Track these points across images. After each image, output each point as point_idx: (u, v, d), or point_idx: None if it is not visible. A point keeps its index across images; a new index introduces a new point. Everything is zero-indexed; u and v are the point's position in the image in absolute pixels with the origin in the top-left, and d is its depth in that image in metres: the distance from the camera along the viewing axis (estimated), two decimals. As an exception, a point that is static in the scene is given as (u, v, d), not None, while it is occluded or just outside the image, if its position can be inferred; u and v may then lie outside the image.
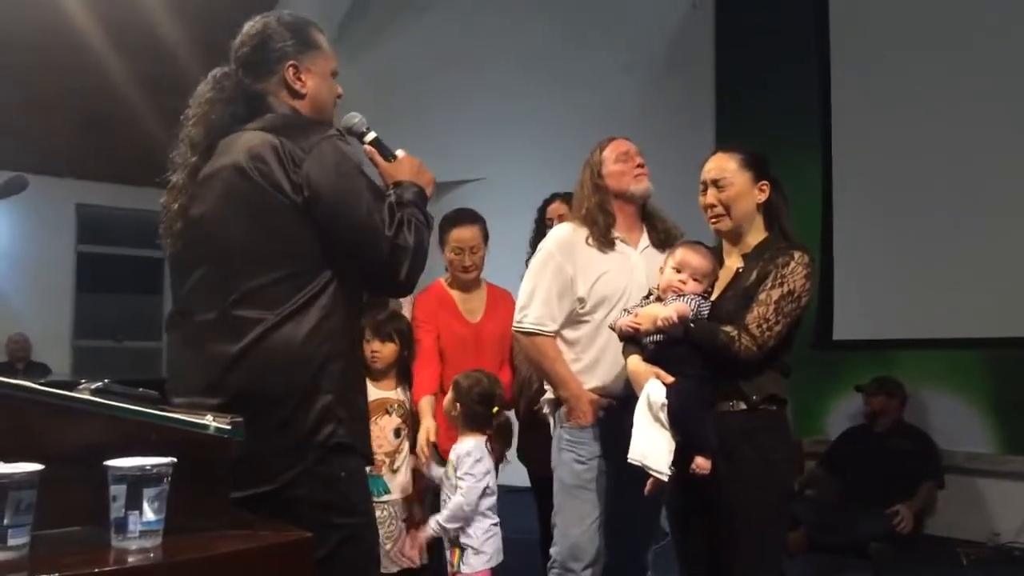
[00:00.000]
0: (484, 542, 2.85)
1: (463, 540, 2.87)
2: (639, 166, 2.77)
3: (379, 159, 1.96)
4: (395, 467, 3.05)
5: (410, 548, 3.05)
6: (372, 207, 1.74)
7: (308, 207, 1.72)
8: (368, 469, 1.95)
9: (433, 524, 2.88)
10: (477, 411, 2.91)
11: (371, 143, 1.97)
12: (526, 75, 6.67)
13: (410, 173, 1.93)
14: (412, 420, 3.15)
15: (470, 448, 2.87)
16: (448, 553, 2.96)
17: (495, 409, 2.96)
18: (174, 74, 7.41)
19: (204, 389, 1.72)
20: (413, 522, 3.10)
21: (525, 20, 6.76)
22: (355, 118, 1.99)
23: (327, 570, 1.67)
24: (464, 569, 2.85)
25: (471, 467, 2.84)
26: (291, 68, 1.87)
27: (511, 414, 3.25)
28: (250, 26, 1.91)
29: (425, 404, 3.12)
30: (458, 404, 2.91)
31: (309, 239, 1.74)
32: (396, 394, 3.12)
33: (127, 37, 6.78)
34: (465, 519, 2.84)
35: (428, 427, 3.05)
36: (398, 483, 3.07)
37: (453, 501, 2.83)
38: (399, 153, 1.96)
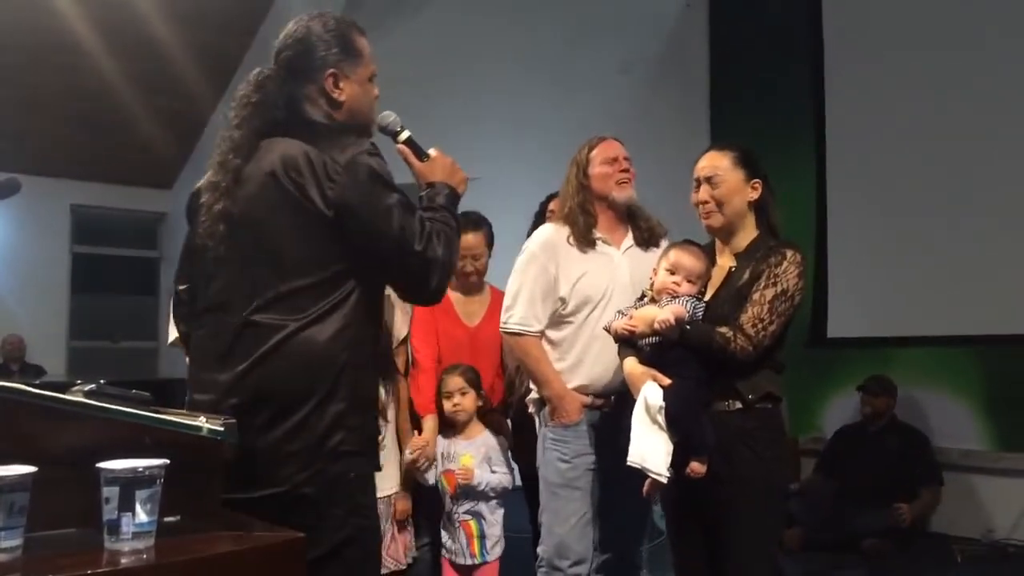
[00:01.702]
0: (500, 530, 3.08)
1: (487, 528, 3.04)
2: (624, 171, 2.76)
3: (413, 159, 1.97)
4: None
5: (394, 549, 3.06)
6: (403, 222, 1.75)
7: (339, 220, 1.74)
8: None
9: (487, 479, 3.06)
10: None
11: (404, 142, 1.97)
12: (522, 75, 6.67)
13: (443, 173, 1.94)
14: (399, 415, 3.16)
15: (496, 442, 3.15)
16: (465, 545, 3.06)
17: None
18: (168, 75, 7.44)
19: (224, 389, 1.74)
20: (397, 521, 3.10)
21: (520, 21, 6.76)
22: (389, 117, 1.99)
23: (330, 567, 1.69)
24: (488, 558, 3.07)
25: (504, 456, 3.15)
26: (331, 77, 1.87)
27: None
28: (294, 29, 1.90)
29: (432, 422, 3.17)
30: (480, 401, 3.11)
31: (336, 250, 1.76)
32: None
33: (121, 38, 6.78)
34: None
35: (431, 440, 3.13)
36: (380, 480, 3.05)
37: (501, 483, 3.08)
38: (432, 152, 1.98)
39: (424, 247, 1.76)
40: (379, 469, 1.95)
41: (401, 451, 3.15)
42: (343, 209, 1.74)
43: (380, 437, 3.02)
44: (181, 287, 1.98)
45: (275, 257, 1.76)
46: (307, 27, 1.89)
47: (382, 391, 3.09)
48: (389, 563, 3.02)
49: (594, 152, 2.78)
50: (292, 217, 1.75)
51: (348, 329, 1.76)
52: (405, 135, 1.98)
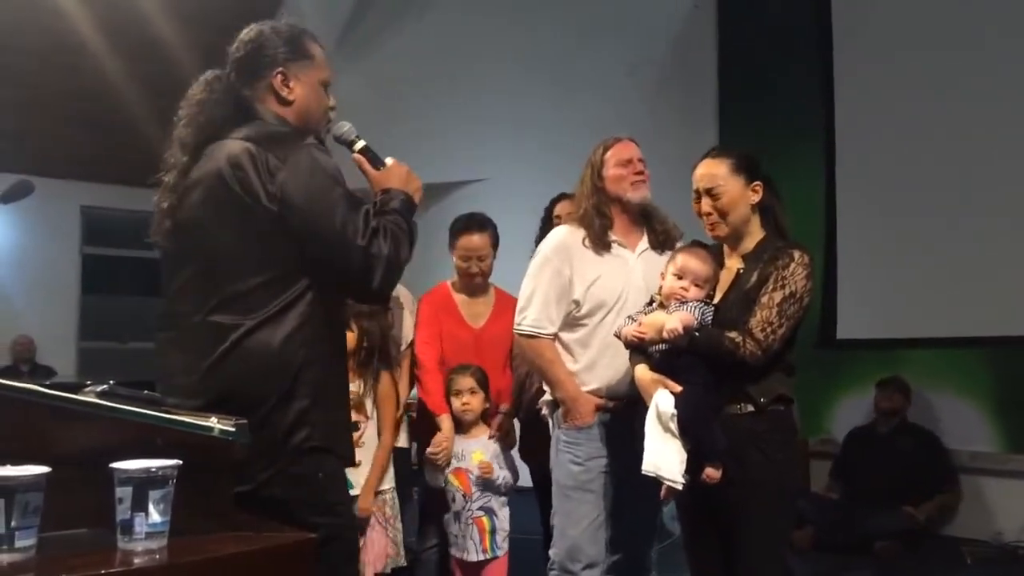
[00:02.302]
0: (508, 525, 3.17)
1: (498, 524, 3.12)
2: (639, 173, 2.76)
3: (368, 167, 1.97)
4: (357, 461, 3.04)
5: (370, 555, 3.06)
6: (346, 217, 1.75)
7: (283, 216, 1.75)
8: None
9: (502, 475, 3.16)
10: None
11: (360, 151, 1.98)
12: (529, 76, 6.68)
13: (399, 181, 1.94)
14: (382, 410, 3.17)
15: (496, 444, 3.23)
16: (478, 541, 3.10)
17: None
18: (176, 76, 7.44)
19: (186, 392, 1.74)
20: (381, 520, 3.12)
21: (528, 22, 6.77)
22: (344, 127, 2.00)
23: None
24: (499, 552, 3.14)
25: (507, 455, 3.25)
26: (279, 75, 1.89)
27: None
28: (246, 32, 1.94)
29: (449, 422, 3.20)
30: (487, 403, 3.19)
31: (286, 247, 1.76)
32: (353, 387, 3.07)
33: (128, 39, 6.80)
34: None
35: (451, 438, 3.18)
36: (361, 477, 3.05)
37: (509, 480, 3.18)
38: (388, 161, 1.98)
39: (367, 242, 1.75)
40: (353, 464, 1.95)
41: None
42: (285, 203, 1.74)
43: (358, 434, 3.04)
44: None
45: (226, 256, 1.77)
46: (259, 30, 1.93)
47: (359, 386, 3.09)
48: (384, 561, 3.03)
49: (608, 153, 2.77)
50: (239, 215, 1.76)
51: (304, 326, 1.77)
52: (361, 144, 1.98)
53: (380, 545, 3.08)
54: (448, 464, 3.16)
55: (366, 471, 3.06)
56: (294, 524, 1.65)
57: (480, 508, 3.14)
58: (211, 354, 1.73)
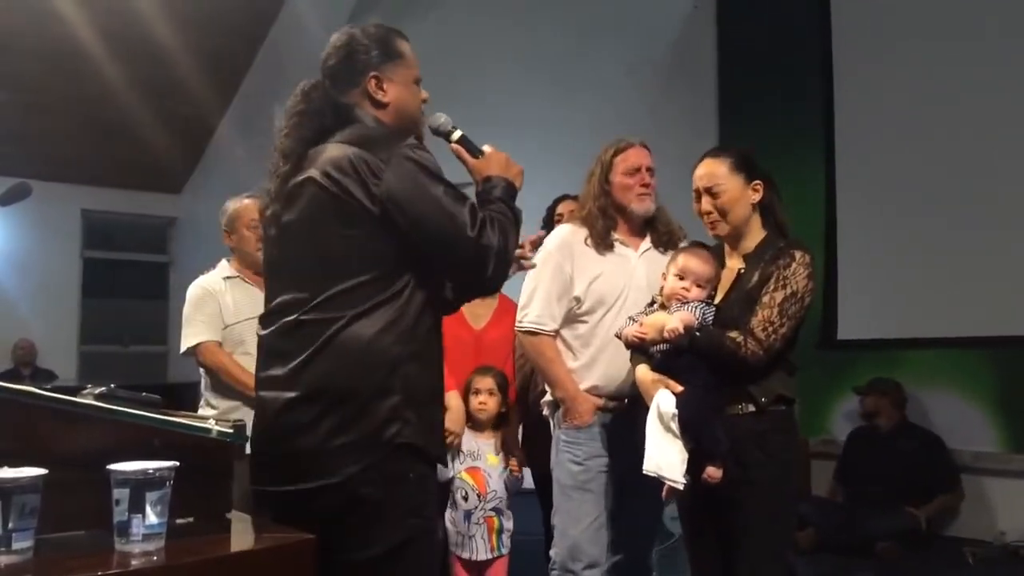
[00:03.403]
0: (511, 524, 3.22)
1: (505, 523, 3.16)
2: (645, 185, 2.76)
3: (467, 156, 1.99)
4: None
5: None
6: (453, 211, 1.78)
7: (388, 216, 1.77)
8: None
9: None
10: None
11: (457, 141, 2.00)
12: (530, 77, 6.67)
13: (499, 168, 1.96)
14: None
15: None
16: (486, 540, 3.12)
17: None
18: (177, 80, 7.47)
19: (282, 385, 1.77)
20: None
21: (529, 23, 6.77)
22: (441, 118, 2.02)
23: (387, 568, 1.72)
24: (504, 551, 3.16)
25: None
26: (373, 80, 1.91)
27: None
28: (336, 38, 1.96)
29: (457, 400, 3.17)
30: (503, 407, 3.21)
31: (385, 247, 1.79)
32: None
33: (130, 44, 6.80)
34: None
35: (461, 412, 3.17)
36: None
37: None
38: (486, 148, 2.00)
39: (478, 234, 1.77)
40: (444, 463, 1.95)
41: None
42: (390, 204, 1.76)
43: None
44: None
45: (326, 258, 1.80)
46: (349, 35, 1.95)
47: None
48: None
49: (619, 158, 2.77)
50: (339, 219, 1.78)
51: (400, 321, 1.78)
52: (458, 134, 2.00)
53: None
54: (458, 452, 3.16)
55: None
56: (383, 524, 1.71)
57: (493, 508, 3.16)
58: (306, 349, 1.75)
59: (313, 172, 1.81)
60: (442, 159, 1.89)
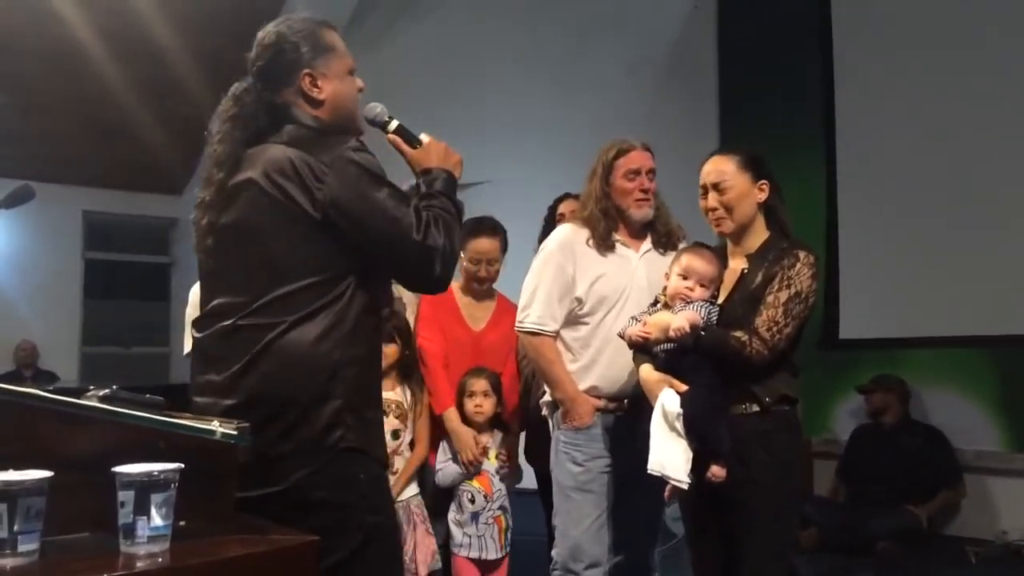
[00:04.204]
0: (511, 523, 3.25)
1: (510, 521, 3.19)
2: (644, 190, 2.76)
3: (404, 147, 1.95)
4: (394, 469, 3.05)
5: (421, 555, 3.08)
6: (397, 214, 1.75)
7: (330, 221, 1.74)
8: None
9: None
10: None
11: (395, 131, 1.96)
12: (530, 77, 6.67)
13: (438, 158, 1.93)
14: (415, 420, 3.20)
15: None
16: (496, 539, 3.14)
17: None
18: (176, 81, 7.46)
19: (220, 392, 1.75)
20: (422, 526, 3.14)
21: (528, 23, 6.76)
22: (376, 108, 1.97)
23: (351, 570, 1.70)
24: (507, 549, 3.19)
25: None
26: (307, 77, 1.86)
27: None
28: (263, 36, 1.90)
29: (454, 416, 3.18)
30: (499, 407, 3.21)
31: (326, 251, 1.76)
32: (395, 394, 3.13)
33: (130, 44, 6.81)
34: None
35: (471, 440, 3.16)
36: (400, 486, 3.08)
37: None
38: (424, 138, 1.96)
39: (423, 236, 1.75)
40: (387, 467, 1.95)
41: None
42: (334, 208, 1.73)
43: (398, 442, 3.06)
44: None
45: (267, 264, 1.76)
46: (275, 33, 1.89)
47: (407, 396, 3.11)
48: (414, 568, 3.04)
49: (620, 160, 2.76)
50: (280, 223, 1.75)
51: (340, 325, 1.76)
52: (394, 124, 1.96)
53: (427, 545, 3.12)
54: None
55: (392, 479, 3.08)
56: (341, 525, 1.69)
57: (499, 507, 3.18)
58: (245, 355, 1.73)
59: (252, 174, 1.78)
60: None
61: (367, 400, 1.84)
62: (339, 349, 1.75)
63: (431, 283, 1.85)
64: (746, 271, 2.38)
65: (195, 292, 3.19)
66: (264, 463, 1.65)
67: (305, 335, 1.73)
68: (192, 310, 3.16)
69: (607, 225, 2.75)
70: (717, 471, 2.22)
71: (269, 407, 1.70)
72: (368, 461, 1.80)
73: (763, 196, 2.40)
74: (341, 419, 1.74)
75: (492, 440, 3.23)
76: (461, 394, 3.21)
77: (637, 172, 2.75)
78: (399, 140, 1.95)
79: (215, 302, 1.82)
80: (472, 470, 3.14)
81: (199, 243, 1.86)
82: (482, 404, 3.18)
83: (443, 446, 3.20)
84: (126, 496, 1.26)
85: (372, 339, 1.87)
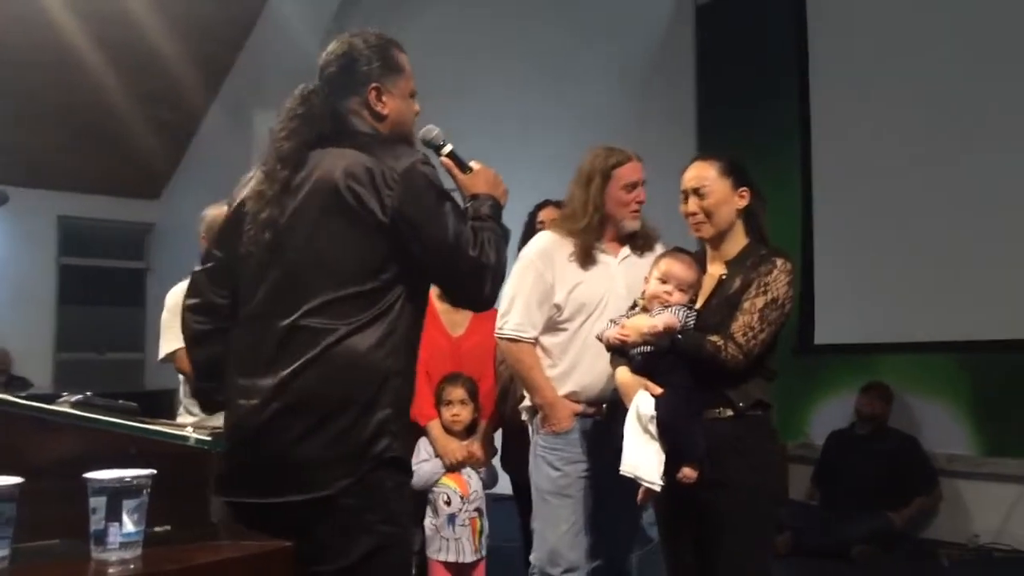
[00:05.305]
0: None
1: (485, 524, 3.19)
2: (640, 202, 2.78)
3: (456, 171, 2.01)
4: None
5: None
6: (457, 230, 1.81)
7: (395, 229, 1.78)
8: None
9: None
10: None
11: (448, 156, 2.02)
12: (515, 81, 6.70)
13: (486, 185, 1.98)
14: None
15: None
16: (468, 542, 3.13)
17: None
18: (156, 85, 7.43)
19: (268, 394, 1.75)
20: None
21: (514, 27, 6.79)
22: (433, 131, 2.05)
23: (360, 574, 1.72)
24: (483, 552, 3.18)
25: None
26: (374, 91, 1.91)
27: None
28: (336, 46, 1.95)
29: (438, 426, 3.19)
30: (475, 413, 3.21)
31: (387, 258, 1.80)
32: None
33: (109, 49, 6.77)
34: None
35: (457, 444, 3.19)
36: None
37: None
38: (474, 164, 2.02)
39: (478, 253, 1.81)
40: (411, 477, 1.96)
41: None
42: (399, 217, 1.78)
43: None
44: (194, 300, 1.97)
45: (325, 265, 1.79)
46: (349, 43, 1.94)
47: None
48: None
49: (620, 171, 2.74)
50: (346, 226, 1.79)
51: (393, 335, 1.80)
52: (448, 148, 2.03)
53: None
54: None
55: None
56: (356, 533, 1.71)
57: (475, 509, 3.18)
58: (300, 357, 1.74)
59: (322, 176, 1.81)
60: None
61: (407, 409, 1.89)
62: (390, 359, 1.79)
63: (480, 299, 1.90)
64: (724, 277, 2.40)
65: (171, 296, 3.18)
66: (311, 468, 1.70)
67: (361, 342, 1.76)
68: (169, 315, 3.14)
69: (595, 235, 2.76)
70: (688, 473, 2.23)
71: (320, 412, 1.72)
72: (400, 471, 1.83)
73: (743, 203, 2.42)
74: (388, 428, 1.77)
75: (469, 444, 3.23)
76: (438, 402, 3.22)
77: (635, 184, 2.76)
78: (451, 164, 2.02)
79: (265, 301, 1.83)
80: (456, 468, 3.16)
81: (255, 236, 1.85)
82: (459, 413, 3.19)
83: (418, 447, 3.20)
84: (97, 502, 1.25)
85: (415, 350, 1.91)
